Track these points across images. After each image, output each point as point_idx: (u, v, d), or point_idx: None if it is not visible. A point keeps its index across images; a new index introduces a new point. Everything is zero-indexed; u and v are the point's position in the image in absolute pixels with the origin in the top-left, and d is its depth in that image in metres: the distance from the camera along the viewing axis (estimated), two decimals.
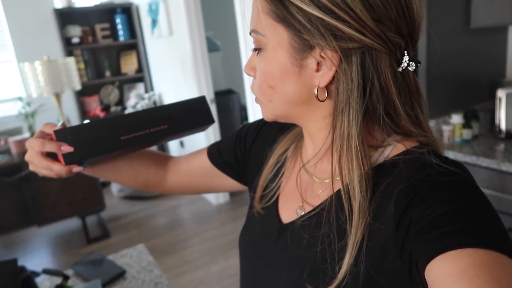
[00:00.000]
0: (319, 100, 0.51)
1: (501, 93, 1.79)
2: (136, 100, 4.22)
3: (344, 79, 0.47)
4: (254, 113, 2.72)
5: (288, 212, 0.62)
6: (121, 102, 4.57)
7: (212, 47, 4.08)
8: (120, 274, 1.15)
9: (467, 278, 0.36)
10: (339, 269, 0.48)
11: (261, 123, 0.75)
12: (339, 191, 0.52)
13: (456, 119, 1.86)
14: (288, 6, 0.46)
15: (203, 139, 3.55)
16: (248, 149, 0.75)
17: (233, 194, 3.77)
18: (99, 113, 4.30)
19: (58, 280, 1.15)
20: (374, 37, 0.45)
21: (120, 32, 4.33)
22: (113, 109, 4.46)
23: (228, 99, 3.82)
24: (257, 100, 0.58)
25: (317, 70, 0.49)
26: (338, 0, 0.43)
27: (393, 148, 0.51)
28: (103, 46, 4.35)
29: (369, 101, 0.48)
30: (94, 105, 4.35)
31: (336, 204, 0.52)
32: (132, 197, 4.01)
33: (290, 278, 0.56)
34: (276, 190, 0.66)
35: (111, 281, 1.13)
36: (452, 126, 1.87)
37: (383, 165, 0.50)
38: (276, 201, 0.65)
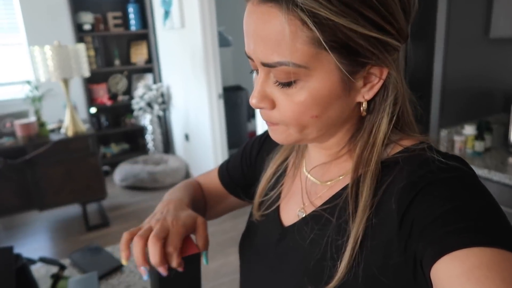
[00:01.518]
0: (362, 114, 0.51)
1: None
2: (144, 91, 4.21)
3: (387, 86, 0.49)
4: None
5: (289, 215, 0.61)
6: (128, 91, 4.56)
7: (223, 42, 4.05)
8: (118, 268, 1.13)
9: (474, 278, 0.35)
10: (340, 266, 0.48)
11: (264, 135, 0.75)
12: (342, 189, 0.53)
13: (469, 130, 1.82)
14: (344, 31, 0.42)
15: (209, 133, 3.53)
16: (254, 162, 0.75)
17: None
18: (106, 101, 4.29)
19: (53, 268, 1.13)
20: (404, 40, 0.47)
21: (132, 22, 4.31)
22: (120, 98, 4.45)
23: (236, 95, 3.79)
24: (276, 127, 0.52)
25: (363, 86, 0.48)
26: (387, 15, 0.43)
27: (394, 147, 0.51)
28: (114, 35, 4.33)
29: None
30: (102, 93, 4.34)
31: (339, 202, 0.52)
32: (134, 187, 3.99)
33: (291, 280, 0.55)
34: (277, 198, 0.65)
35: (108, 274, 1.10)
36: (464, 137, 1.83)
37: (385, 163, 0.50)
38: (277, 207, 0.65)
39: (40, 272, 1.13)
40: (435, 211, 0.41)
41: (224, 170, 0.79)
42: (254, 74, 0.53)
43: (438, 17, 1.70)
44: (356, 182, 0.50)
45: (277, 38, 0.43)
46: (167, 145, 4.77)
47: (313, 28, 0.41)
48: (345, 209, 0.51)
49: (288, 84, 0.46)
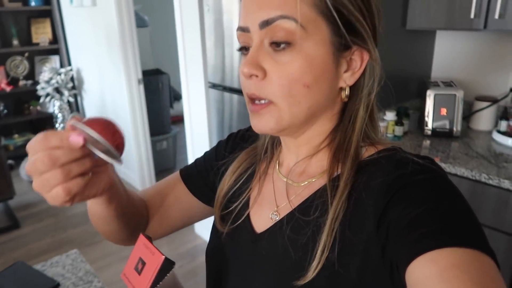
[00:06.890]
0: (343, 99, 0.52)
1: (429, 93, 1.92)
2: (50, 75, 3.80)
3: (367, 75, 0.51)
4: (189, 97, 2.60)
5: (262, 220, 0.59)
6: (32, 75, 4.09)
7: (139, 22, 3.80)
8: None
9: (446, 279, 0.36)
10: (313, 262, 0.48)
11: (239, 133, 0.72)
12: (319, 189, 0.53)
13: (390, 116, 1.96)
14: (340, 4, 0.45)
15: (129, 120, 3.32)
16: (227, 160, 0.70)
17: (159, 177, 3.62)
18: (5, 86, 3.80)
19: None
20: (375, 40, 0.51)
21: None
22: (21, 83, 3.97)
23: (157, 79, 3.61)
24: (266, 108, 0.49)
25: (346, 71, 0.50)
26: (368, 7, 0.48)
27: (367, 149, 0.53)
28: (9, 10, 3.82)
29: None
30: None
31: (316, 202, 0.52)
32: None
33: (266, 286, 0.55)
34: (244, 207, 0.62)
35: None
36: (386, 123, 1.96)
37: (361, 163, 0.51)
38: (248, 215, 0.61)
39: None
40: (410, 214, 0.42)
41: (192, 167, 0.72)
42: (241, 57, 0.52)
43: None
44: (334, 179, 0.51)
45: None
46: None
47: None
48: (322, 209, 0.51)
49: (283, 46, 0.46)
